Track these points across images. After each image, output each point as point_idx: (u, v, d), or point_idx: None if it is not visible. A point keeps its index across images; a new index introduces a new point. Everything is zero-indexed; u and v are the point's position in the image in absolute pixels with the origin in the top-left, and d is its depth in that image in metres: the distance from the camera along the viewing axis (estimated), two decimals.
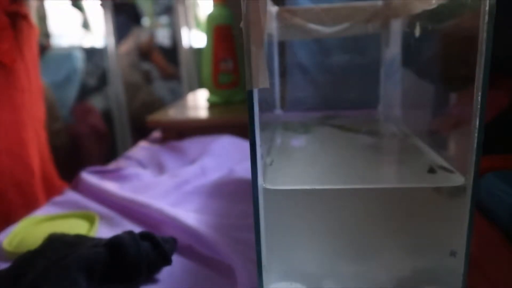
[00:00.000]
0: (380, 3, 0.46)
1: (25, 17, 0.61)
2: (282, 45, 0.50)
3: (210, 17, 0.93)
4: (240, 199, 0.51)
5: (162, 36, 2.23)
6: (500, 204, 0.33)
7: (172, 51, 2.06)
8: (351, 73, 0.52)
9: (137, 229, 0.41)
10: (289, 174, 0.30)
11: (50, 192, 0.65)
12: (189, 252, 0.40)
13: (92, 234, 0.43)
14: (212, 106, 0.96)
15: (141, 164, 0.70)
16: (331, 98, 0.52)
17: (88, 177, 0.57)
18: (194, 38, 1.96)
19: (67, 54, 1.75)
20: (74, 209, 0.51)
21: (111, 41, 1.81)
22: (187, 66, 1.92)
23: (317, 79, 0.53)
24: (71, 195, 0.55)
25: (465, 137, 0.25)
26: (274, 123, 0.46)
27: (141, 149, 0.78)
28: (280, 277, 0.28)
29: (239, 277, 0.34)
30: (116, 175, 0.61)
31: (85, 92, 1.86)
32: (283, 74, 0.51)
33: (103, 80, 1.91)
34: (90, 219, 0.47)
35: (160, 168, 0.67)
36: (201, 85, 1.28)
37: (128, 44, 2.07)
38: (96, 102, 1.90)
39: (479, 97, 0.24)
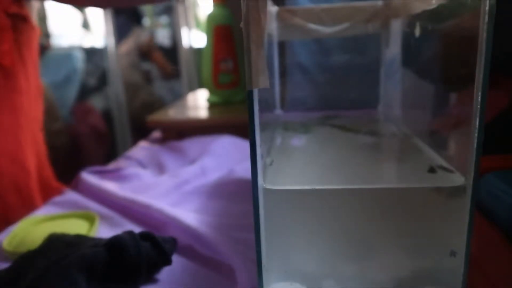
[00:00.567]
0: (380, 3, 0.46)
1: (26, 18, 0.61)
2: (282, 45, 0.50)
3: (210, 17, 0.93)
4: (240, 199, 0.51)
5: (162, 36, 2.23)
6: (500, 204, 0.33)
7: (172, 51, 2.06)
8: (351, 73, 0.52)
9: (137, 229, 0.41)
10: (289, 174, 0.30)
11: (47, 194, 0.65)
12: (189, 252, 0.40)
13: (92, 234, 0.43)
14: (212, 106, 0.96)
15: (141, 164, 0.70)
16: (331, 98, 0.52)
17: (88, 177, 0.57)
18: (194, 38, 1.96)
19: (67, 54, 1.75)
20: (74, 209, 0.51)
21: (111, 41, 1.81)
22: (187, 66, 1.92)
23: (317, 79, 0.53)
24: (71, 195, 0.55)
25: (465, 137, 0.25)
26: (274, 123, 0.46)
27: (141, 149, 0.78)
28: (280, 277, 0.28)
29: (239, 277, 0.34)
30: (116, 175, 0.61)
31: (85, 92, 1.86)
32: (283, 74, 0.51)
33: (103, 80, 1.91)
34: (90, 219, 0.47)
35: (160, 168, 0.67)
36: (201, 85, 1.28)
37: (128, 44, 2.07)
38: (96, 102, 1.90)
39: (479, 97, 0.24)
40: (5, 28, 0.56)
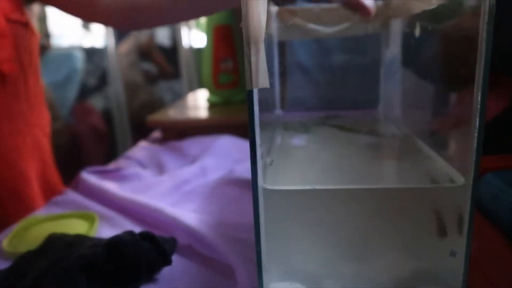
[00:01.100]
0: (380, 3, 0.46)
1: (26, 24, 0.60)
2: (282, 45, 0.50)
3: (210, 17, 0.93)
4: (240, 199, 0.51)
5: (162, 36, 2.23)
6: (500, 204, 0.33)
7: (172, 51, 2.06)
8: (351, 73, 0.52)
9: (137, 229, 0.41)
10: (289, 174, 0.30)
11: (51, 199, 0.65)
12: (189, 252, 0.40)
13: (92, 234, 0.43)
14: (212, 106, 0.96)
15: (141, 164, 0.70)
16: (331, 98, 0.52)
17: (88, 177, 0.57)
18: (194, 38, 1.96)
19: (67, 54, 1.76)
20: (74, 209, 0.51)
21: (111, 41, 1.81)
22: (187, 66, 1.92)
23: (317, 79, 0.53)
24: (71, 195, 0.55)
25: (465, 137, 0.25)
26: (274, 123, 0.46)
27: (141, 149, 0.78)
28: (280, 277, 0.28)
29: (239, 277, 0.34)
30: (116, 175, 0.61)
31: (85, 92, 1.86)
32: (283, 74, 0.51)
33: (103, 80, 1.91)
34: (90, 219, 0.47)
35: (160, 168, 0.67)
36: (201, 85, 1.28)
37: (128, 44, 2.07)
38: (96, 102, 1.90)
39: (479, 97, 0.24)
40: (5, 35, 0.56)
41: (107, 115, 1.88)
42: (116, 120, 1.88)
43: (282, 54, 0.50)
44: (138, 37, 2.10)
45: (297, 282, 0.28)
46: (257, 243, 0.27)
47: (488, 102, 0.24)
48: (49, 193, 0.65)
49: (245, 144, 0.71)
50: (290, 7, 0.47)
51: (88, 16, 0.64)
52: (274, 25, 0.46)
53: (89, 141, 1.75)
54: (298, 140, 0.40)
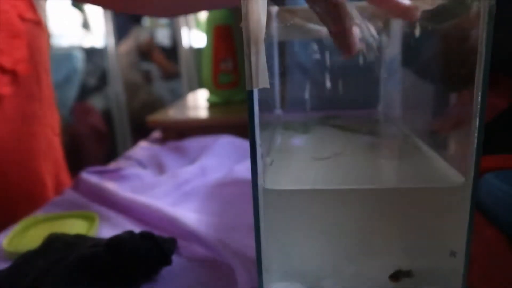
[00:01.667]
0: None
1: (38, 23, 0.60)
2: (282, 45, 0.50)
3: (210, 17, 0.93)
4: (240, 199, 0.51)
5: (162, 36, 2.23)
6: (500, 204, 0.33)
7: (172, 51, 2.06)
8: (351, 73, 0.52)
9: (137, 229, 0.40)
10: (289, 174, 0.30)
11: None
12: (189, 252, 0.40)
13: (92, 234, 0.43)
14: (212, 106, 0.96)
15: (141, 164, 0.70)
16: (331, 98, 0.52)
17: (88, 177, 0.57)
18: (194, 38, 1.96)
19: (67, 54, 1.76)
20: (74, 209, 0.51)
21: (111, 41, 1.81)
22: (187, 66, 1.92)
23: (317, 79, 0.53)
24: (71, 195, 0.55)
25: (465, 137, 0.25)
26: (274, 123, 0.46)
27: (141, 149, 0.78)
28: (280, 277, 0.28)
29: (239, 277, 0.34)
30: (116, 175, 0.61)
31: (85, 92, 1.86)
32: (283, 74, 0.51)
33: (103, 80, 1.91)
34: (90, 219, 0.47)
35: (160, 168, 0.67)
36: (201, 85, 1.28)
37: (128, 44, 2.07)
38: (96, 102, 1.90)
39: (479, 97, 0.24)
40: (20, 35, 0.55)
41: (107, 115, 1.88)
42: (116, 120, 1.88)
43: (282, 54, 0.50)
44: (138, 37, 2.10)
45: (297, 282, 0.28)
46: (257, 243, 0.27)
47: (488, 102, 0.24)
48: (61, 193, 0.65)
49: (245, 144, 0.71)
50: (290, 7, 0.47)
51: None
52: (274, 25, 0.46)
53: (89, 141, 1.75)
54: (298, 140, 0.40)
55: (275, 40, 0.48)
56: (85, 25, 2.05)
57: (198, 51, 1.89)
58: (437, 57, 0.35)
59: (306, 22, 0.47)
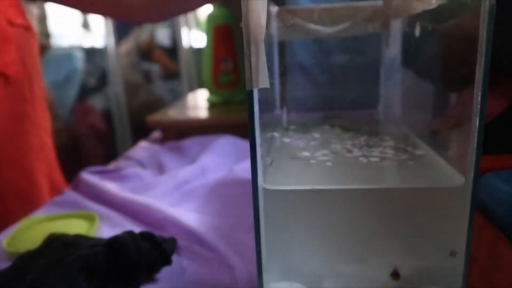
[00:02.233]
0: (380, 3, 0.46)
1: (28, 28, 0.61)
2: (282, 45, 0.50)
3: (210, 17, 0.93)
4: (240, 199, 0.51)
5: (162, 36, 2.23)
6: (500, 204, 0.33)
7: (172, 51, 2.06)
8: (351, 73, 0.52)
9: (137, 229, 0.41)
10: (289, 174, 0.30)
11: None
12: (189, 252, 0.40)
13: (92, 234, 0.43)
14: (212, 106, 0.96)
15: (141, 164, 0.70)
16: (331, 98, 0.52)
17: (88, 177, 0.57)
18: (194, 38, 1.96)
19: (67, 54, 1.76)
20: (74, 209, 0.51)
21: (111, 41, 1.81)
22: (187, 66, 1.92)
23: (317, 79, 0.53)
24: (71, 195, 0.55)
25: (465, 137, 0.25)
26: (274, 123, 0.46)
27: (141, 149, 0.78)
28: (280, 277, 0.28)
29: (239, 277, 0.34)
30: (116, 175, 0.61)
31: (85, 92, 1.86)
32: (283, 74, 0.51)
33: (103, 80, 1.91)
34: (90, 219, 0.47)
35: (160, 168, 0.67)
36: (201, 85, 1.28)
37: (128, 44, 2.07)
38: (96, 102, 1.90)
39: (479, 97, 0.24)
40: (10, 39, 0.57)
41: (107, 115, 1.88)
42: (116, 120, 1.88)
43: (282, 54, 0.50)
44: (138, 37, 2.10)
45: (297, 282, 0.28)
46: (257, 243, 0.27)
47: (489, 102, 0.24)
48: (55, 192, 0.66)
49: (245, 144, 0.71)
50: (290, 7, 0.47)
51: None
52: (274, 25, 0.46)
53: (89, 141, 1.75)
54: (298, 140, 0.40)
55: (275, 40, 0.48)
56: (85, 25, 2.05)
57: (198, 51, 1.89)
58: (437, 57, 0.35)
59: (306, 22, 0.47)
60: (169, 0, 0.58)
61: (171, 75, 2.13)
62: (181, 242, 0.41)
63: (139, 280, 0.34)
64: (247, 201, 0.28)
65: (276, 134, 0.42)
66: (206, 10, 1.02)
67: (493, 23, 0.22)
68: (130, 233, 0.36)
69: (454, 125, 0.30)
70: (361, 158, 0.33)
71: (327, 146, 0.37)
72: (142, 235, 0.37)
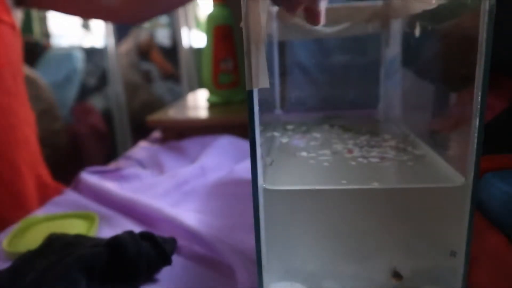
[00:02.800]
0: (380, 3, 0.46)
1: (13, 27, 0.63)
2: (282, 45, 0.50)
3: (210, 17, 0.93)
4: (240, 199, 0.51)
5: (162, 36, 2.23)
6: (500, 204, 0.33)
7: (172, 51, 2.06)
8: (351, 73, 0.52)
9: (137, 229, 0.41)
10: (289, 174, 0.30)
11: (43, 192, 0.67)
12: (189, 252, 0.40)
13: (92, 234, 0.43)
14: (212, 106, 0.96)
15: (141, 164, 0.70)
16: (331, 98, 0.52)
17: (88, 177, 0.57)
18: (194, 38, 1.96)
19: (67, 54, 1.76)
20: (74, 209, 0.51)
21: (111, 41, 1.81)
22: (187, 66, 1.92)
23: (317, 79, 0.53)
24: (71, 195, 0.55)
25: (465, 137, 0.25)
26: (274, 123, 0.46)
27: (141, 149, 0.78)
28: (280, 277, 0.28)
29: (239, 277, 0.34)
30: (116, 175, 0.61)
31: (85, 92, 1.86)
32: (283, 74, 0.51)
33: (103, 80, 1.91)
34: (90, 219, 0.47)
35: (160, 168, 0.67)
36: (201, 85, 1.28)
37: (128, 44, 2.07)
38: (96, 102, 1.90)
39: (479, 97, 0.24)
40: None
41: (107, 115, 1.88)
42: (116, 120, 1.88)
43: (282, 54, 0.50)
44: (138, 37, 2.10)
45: (297, 282, 0.28)
46: (257, 243, 0.27)
47: (489, 102, 0.24)
48: (41, 186, 0.67)
49: (245, 144, 0.71)
50: None
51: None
52: (274, 25, 0.46)
53: (89, 141, 1.75)
54: (298, 140, 0.40)
55: (275, 40, 0.48)
56: (85, 25, 2.05)
57: (198, 51, 1.89)
58: (437, 57, 0.35)
59: (306, 22, 0.47)
60: (147, 1, 0.59)
61: (168, 75, 2.13)
62: (181, 242, 0.41)
63: (139, 280, 0.34)
64: (247, 201, 0.28)
65: (276, 134, 0.42)
66: (206, 10, 1.02)
67: (493, 23, 0.22)
68: (130, 233, 0.36)
69: (454, 125, 0.30)
70: (361, 158, 0.33)
71: (327, 146, 0.37)
72: (142, 235, 0.37)
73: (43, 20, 1.89)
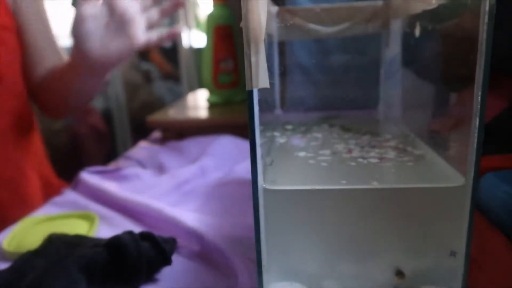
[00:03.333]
0: (380, 3, 0.46)
1: (15, 31, 0.64)
2: (282, 45, 0.50)
3: (210, 17, 0.93)
4: (240, 199, 0.51)
5: None
6: (500, 204, 0.33)
7: (172, 51, 2.06)
8: (351, 73, 0.52)
9: (137, 229, 0.41)
10: (289, 174, 0.30)
11: (48, 191, 0.67)
12: (189, 252, 0.40)
13: (92, 234, 0.43)
14: (212, 106, 0.96)
15: (141, 164, 0.70)
16: (331, 98, 0.52)
17: (88, 177, 0.57)
18: (194, 38, 1.96)
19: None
20: (74, 209, 0.51)
21: None
22: (187, 66, 1.92)
23: (317, 79, 0.53)
24: (71, 195, 0.55)
25: (465, 137, 0.25)
26: (274, 123, 0.46)
27: (141, 149, 0.78)
28: (280, 277, 0.28)
29: (239, 277, 0.34)
30: (116, 175, 0.61)
31: None
32: (283, 74, 0.51)
33: None
34: (90, 219, 0.47)
35: (160, 168, 0.67)
36: (201, 85, 1.28)
37: None
38: (96, 102, 1.90)
39: (479, 97, 0.24)
40: (0, 40, 0.60)
41: (107, 115, 1.88)
42: (116, 120, 1.88)
43: (282, 54, 0.50)
44: None
45: (297, 282, 0.28)
46: (257, 243, 0.27)
47: (489, 102, 0.24)
48: (45, 185, 0.68)
49: (245, 144, 0.71)
50: (290, 7, 0.47)
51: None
52: (274, 25, 0.46)
53: (89, 141, 1.75)
54: (298, 140, 0.40)
55: (275, 40, 0.48)
56: None
57: (198, 51, 1.89)
58: (437, 57, 0.35)
59: (306, 22, 0.47)
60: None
61: (168, 76, 2.13)
62: (181, 242, 0.41)
63: (139, 280, 0.34)
64: (247, 201, 0.28)
65: (276, 134, 0.42)
66: (206, 10, 1.02)
67: (493, 23, 0.22)
68: (130, 233, 0.36)
69: (454, 125, 0.30)
70: (361, 158, 0.33)
71: (327, 146, 0.37)
72: (142, 235, 0.37)
73: None
